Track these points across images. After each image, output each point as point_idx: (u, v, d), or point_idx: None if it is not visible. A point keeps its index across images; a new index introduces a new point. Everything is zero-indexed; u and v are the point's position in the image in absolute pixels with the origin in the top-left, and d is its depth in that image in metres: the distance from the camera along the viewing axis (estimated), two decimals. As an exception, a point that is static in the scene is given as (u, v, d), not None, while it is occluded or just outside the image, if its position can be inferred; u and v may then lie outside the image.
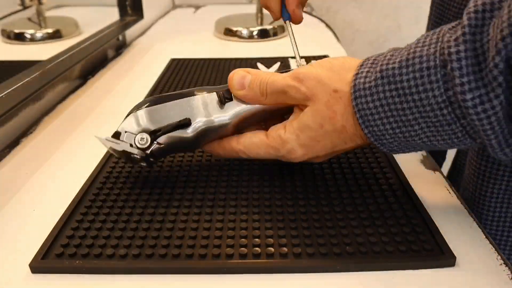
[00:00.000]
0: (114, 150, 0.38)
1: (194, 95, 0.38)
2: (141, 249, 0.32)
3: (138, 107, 0.38)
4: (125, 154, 0.37)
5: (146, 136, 0.37)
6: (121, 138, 0.37)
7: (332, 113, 0.34)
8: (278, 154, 0.37)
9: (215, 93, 0.38)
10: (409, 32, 1.65)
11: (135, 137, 0.37)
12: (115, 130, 0.38)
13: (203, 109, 0.38)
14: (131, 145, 0.37)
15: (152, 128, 0.37)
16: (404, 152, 0.34)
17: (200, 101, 0.38)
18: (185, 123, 0.37)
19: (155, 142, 0.37)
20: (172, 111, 0.38)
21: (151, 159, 0.38)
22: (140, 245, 0.32)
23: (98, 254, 0.31)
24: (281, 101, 0.37)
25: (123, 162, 0.43)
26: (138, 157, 0.37)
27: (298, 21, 0.48)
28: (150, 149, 0.37)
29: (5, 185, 0.42)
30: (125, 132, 0.37)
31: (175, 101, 0.38)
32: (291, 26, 0.48)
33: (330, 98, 0.34)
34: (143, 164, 0.38)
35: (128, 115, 0.38)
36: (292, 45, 0.47)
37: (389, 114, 0.31)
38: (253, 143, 0.38)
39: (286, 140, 0.36)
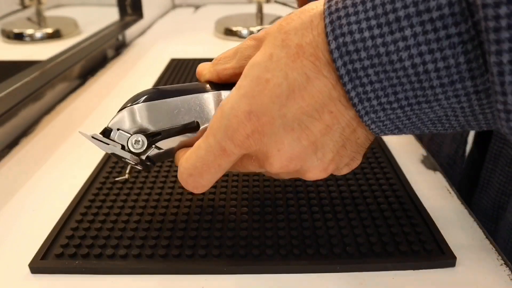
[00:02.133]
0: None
1: (205, 91, 0.30)
2: (141, 249, 0.32)
3: (134, 100, 0.31)
4: (115, 155, 0.32)
5: (142, 138, 0.30)
6: (111, 137, 0.31)
7: (285, 35, 0.25)
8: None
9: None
10: (409, 32, 1.64)
11: (128, 138, 0.30)
12: (105, 126, 0.31)
13: (215, 110, 0.29)
14: (123, 147, 0.31)
15: (151, 129, 0.30)
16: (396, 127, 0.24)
17: (212, 99, 0.30)
18: (192, 127, 0.30)
19: (154, 146, 0.31)
20: (176, 109, 0.30)
21: (148, 163, 0.32)
22: (140, 245, 0.32)
23: (97, 254, 0.31)
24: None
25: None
26: (132, 162, 0.32)
27: None
28: (146, 154, 0.31)
29: (5, 185, 0.42)
30: (118, 130, 0.31)
31: (181, 97, 0.30)
32: None
33: (283, 36, 0.25)
34: (138, 167, 0.33)
35: (122, 108, 0.31)
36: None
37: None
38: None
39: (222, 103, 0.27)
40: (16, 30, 0.82)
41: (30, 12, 0.87)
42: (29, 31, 0.82)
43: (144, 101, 0.31)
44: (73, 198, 0.37)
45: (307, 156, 0.26)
